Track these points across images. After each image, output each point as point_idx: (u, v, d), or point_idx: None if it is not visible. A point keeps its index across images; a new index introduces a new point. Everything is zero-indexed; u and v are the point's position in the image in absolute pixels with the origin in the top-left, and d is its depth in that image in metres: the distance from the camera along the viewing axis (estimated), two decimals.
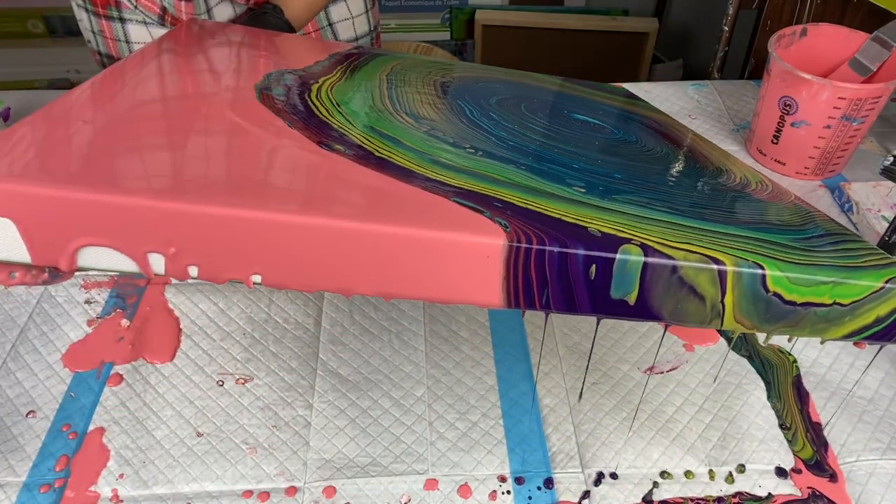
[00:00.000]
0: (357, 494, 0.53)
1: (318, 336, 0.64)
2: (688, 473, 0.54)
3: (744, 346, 0.63)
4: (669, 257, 0.39)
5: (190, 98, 0.52)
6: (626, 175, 0.51)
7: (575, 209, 0.42)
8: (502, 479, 0.54)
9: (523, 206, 0.41)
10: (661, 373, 0.61)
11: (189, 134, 0.45)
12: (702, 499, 0.52)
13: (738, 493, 0.52)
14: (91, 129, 0.43)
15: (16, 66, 1.73)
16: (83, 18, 0.89)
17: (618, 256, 0.38)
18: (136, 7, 0.83)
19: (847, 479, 0.53)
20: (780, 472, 0.53)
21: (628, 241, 0.39)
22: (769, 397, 0.59)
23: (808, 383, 0.60)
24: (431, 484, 0.53)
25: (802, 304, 0.41)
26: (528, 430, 0.57)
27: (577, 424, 0.57)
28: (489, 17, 1.87)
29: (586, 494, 0.52)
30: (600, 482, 0.53)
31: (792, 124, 0.77)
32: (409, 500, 0.53)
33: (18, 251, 0.37)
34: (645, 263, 0.38)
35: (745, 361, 0.62)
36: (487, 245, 0.37)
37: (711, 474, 0.53)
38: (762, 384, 0.60)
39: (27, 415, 0.58)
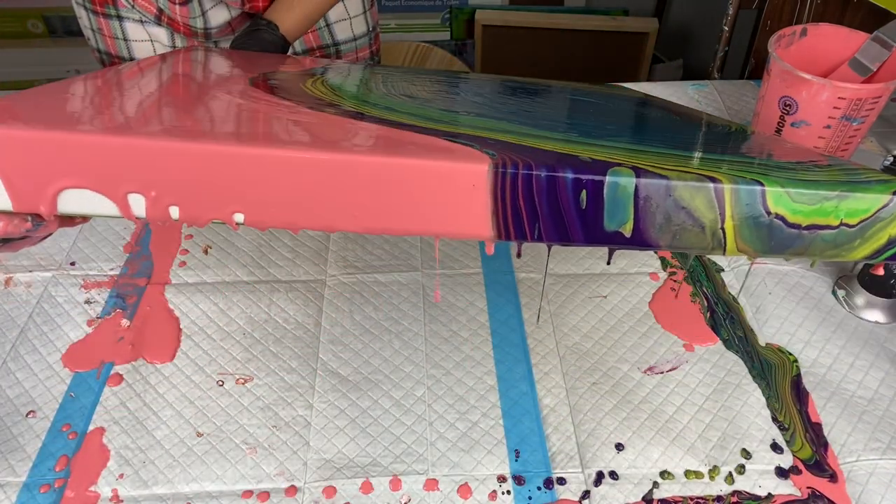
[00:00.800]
0: (357, 494, 0.53)
1: (318, 336, 0.64)
2: (688, 473, 0.54)
3: (743, 346, 0.63)
4: (663, 177, 0.37)
5: (181, 80, 0.52)
6: (619, 126, 0.51)
7: (568, 146, 0.41)
8: (502, 479, 0.54)
9: (515, 142, 0.40)
10: (661, 373, 0.61)
11: (174, 94, 0.46)
12: (701, 498, 0.52)
13: (737, 493, 0.52)
14: (75, 97, 0.43)
15: (16, 66, 1.73)
16: (82, 16, 0.89)
17: (608, 179, 0.36)
18: (133, 6, 0.83)
19: (847, 479, 0.53)
20: (780, 473, 0.53)
21: (619, 165, 0.38)
22: (767, 398, 0.59)
23: (808, 383, 0.60)
24: (431, 484, 0.53)
25: (808, 228, 0.39)
26: (528, 430, 0.57)
27: (577, 424, 0.57)
28: (489, 17, 1.87)
29: (586, 494, 0.52)
30: (600, 482, 0.53)
31: (792, 124, 0.77)
32: (409, 500, 0.53)
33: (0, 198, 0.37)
34: (637, 186, 0.36)
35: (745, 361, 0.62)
36: (473, 171, 0.36)
37: (711, 474, 0.53)
38: (763, 384, 0.60)
39: (27, 415, 0.58)
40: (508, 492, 0.53)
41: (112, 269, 0.70)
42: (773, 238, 0.39)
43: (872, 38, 0.77)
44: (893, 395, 0.59)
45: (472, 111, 0.51)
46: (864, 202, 0.39)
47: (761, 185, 0.37)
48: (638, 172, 0.37)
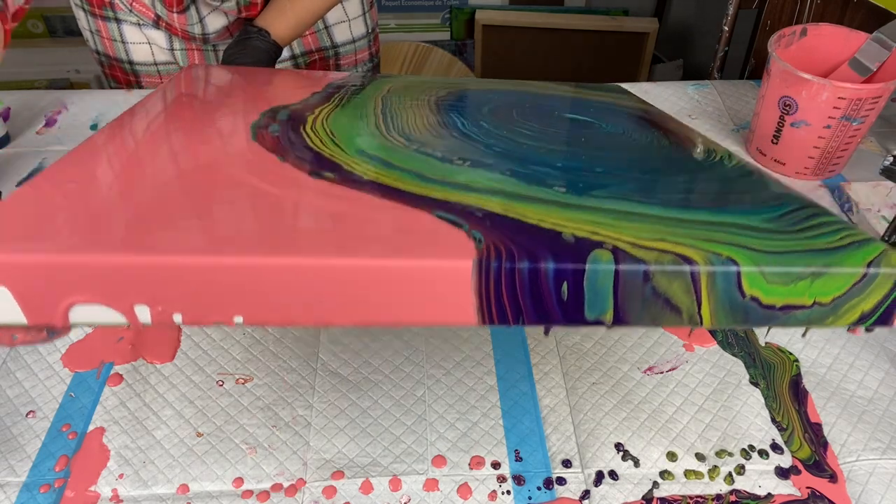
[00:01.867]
0: (357, 494, 0.53)
1: (318, 336, 0.64)
2: (688, 473, 0.54)
3: (743, 346, 0.63)
4: (640, 261, 0.38)
5: (182, 149, 0.53)
6: (608, 167, 0.51)
7: (553, 212, 0.43)
8: (502, 480, 0.54)
9: (502, 213, 0.42)
10: (661, 373, 0.61)
11: (175, 185, 0.46)
12: (701, 497, 0.52)
13: (736, 492, 0.52)
14: (80, 189, 0.45)
15: (16, 66, 1.72)
16: (81, 17, 0.89)
17: (588, 267, 0.38)
18: (130, 10, 0.83)
19: (847, 478, 0.53)
20: (780, 473, 0.53)
21: (600, 244, 0.39)
22: (766, 398, 0.59)
23: (807, 383, 0.60)
24: (431, 484, 0.53)
25: (782, 308, 0.41)
26: (528, 430, 0.57)
27: (577, 424, 0.57)
28: (489, 17, 1.87)
29: (586, 494, 0.52)
30: (600, 482, 0.53)
31: (792, 124, 0.77)
32: (409, 500, 0.53)
33: (15, 315, 0.39)
34: (616, 274, 0.38)
35: (745, 362, 0.62)
36: (458, 269, 0.38)
37: (711, 474, 0.54)
38: (762, 384, 0.60)
39: (27, 415, 0.58)
40: (508, 492, 0.53)
41: None
42: (748, 318, 0.41)
43: (872, 38, 0.77)
44: (893, 395, 0.59)
45: (466, 156, 0.52)
46: (838, 280, 0.41)
47: (736, 264, 0.39)
48: (617, 256, 0.39)
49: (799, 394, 0.59)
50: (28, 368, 0.61)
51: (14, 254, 0.39)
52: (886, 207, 0.74)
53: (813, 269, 0.40)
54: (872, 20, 0.99)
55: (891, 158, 0.68)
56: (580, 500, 0.52)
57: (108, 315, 0.39)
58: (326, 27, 0.93)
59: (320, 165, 0.48)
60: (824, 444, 0.55)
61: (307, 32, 0.91)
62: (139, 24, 0.86)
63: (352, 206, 0.43)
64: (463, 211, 0.42)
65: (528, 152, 0.53)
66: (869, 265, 0.40)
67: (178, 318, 0.39)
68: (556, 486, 0.53)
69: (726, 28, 1.16)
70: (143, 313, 0.39)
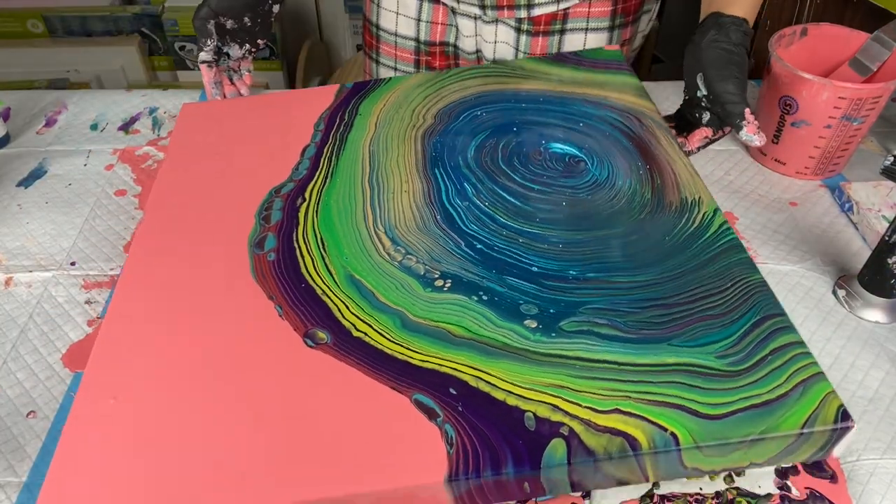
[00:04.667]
0: None
1: None
2: None
3: None
4: (591, 452, 0.44)
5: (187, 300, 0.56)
6: (581, 269, 0.55)
7: (520, 374, 0.48)
8: None
9: (474, 386, 0.48)
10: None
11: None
12: (700, 495, 0.52)
13: (737, 489, 0.52)
14: (119, 416, 0.49)
15: (16, 66, 1.72)
16: None
17: (543, 469, 0.44)
18: None
19: (848, 478, 0.53)
20: (780, 473, 0.53)
21: (558, 428, 0.45)
22: None
23: None
24: None
25: (722, 471, 0.50)
26: None
27: None
28: None
29: (587, 494, 0.52)
30: None
31: (792, 124, 0.77)
32: None
33: None
34: (570, 466, 0.44)
35: None
36: (431, 485, 0.44)
37: (711, 474, 0.53)
38: None
39: (27, 415, 0.58)
40: None
41: (112, 269, 0.70)
42: (691, 476, 0.50)
43: (872, 38, 0.77)
44: (893, 395, 0.59)
45: (447, 270, 0.56)
46: (772, 446, 0.46)
47: (677, 442, 0.44)
48: (570, 451, 0.44)
49: None
50: (28, 368, 0.61)
51: None
52: (886, 207, 0.74)
53: (749, 440, 0.44)
54: (872, 20, 0.99)
55: (891, 158, 0.68)
56: (582, 499, 0.52)
57: None
58: None
59: (314, 318, 0.53)
60: None
61: None
62: None
63: (336, 397, 0.48)
64: (438, 387, 0.48)
65: (504, 258, 0.56)
66: (805, 423, 0.45)
67: None
68: None
69: None
70: None
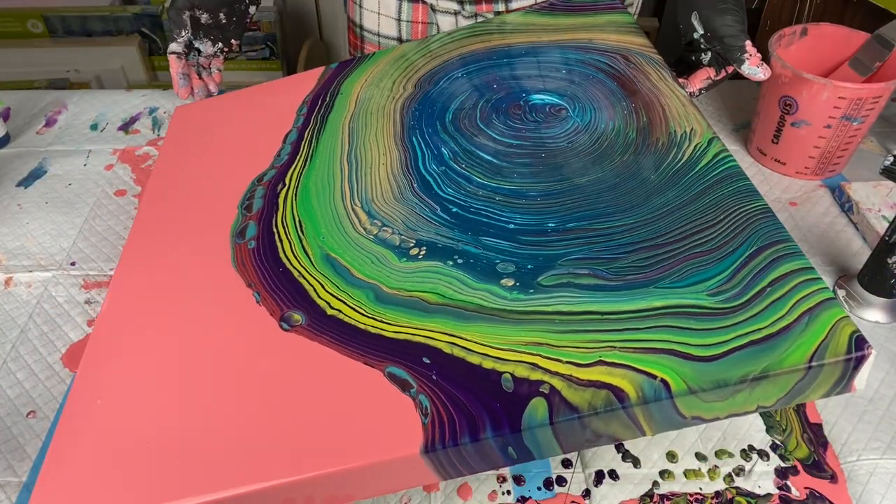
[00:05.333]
0: None
1: None
2: (688, 473, 0.54)
3: None
4: (575, 409, 0.41)
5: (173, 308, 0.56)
6: (560, 221, 0.52)
7: (495, 335, 0.46)
8: (502, 480, 0.54)
9: (448, 353, 0.46)
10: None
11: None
12: (700, 494, 0.52)
13: (737, 489, 0.52)
14: (104, 412, 0.50)
15: (16, 66, 1.72)
16: None
17: (525, 429, 0.41)
18: None
19: (848, 478, 0.53)
20: (780, 473, 0.53)
21: (538, 387, 0.42)
22: None
23: None
24: (432, 484, 0.53)
25: (728, 416, 0.43)
26: None
27: None
28: None
29: (587, 494, 0.52)
30: (601, 482, 0.53)
31: (792, 124, 0.77)
32: (409, 500, 0.53)
33: None
34: (553, 426, 0.41)
35: None
36: (408, 457, 0.42)
37: (711, 475, 0.53)
38: None
39: (27, 415, 0.58)
40: (508, 492, 0.53)
41: (112, 270, 0.70)
42: (697, 425, 0.45)
43: (872, 37, 0.77)
44: (893, 395, 0.59)
45: (423, 237, 0.54)
46: (779, 384, 0.41)
47: (668, 389, 0.41)
48: (551, 410, 0.41)
49: None
50: (28, 368, 0.61)
51: None
52: (886, 207, 0.74)
53: (751, 379, 0.40)
54: (872, 20, 0.99)
55: (891, 158, 0.68)
56: (582, 498, 0.52)
57: None
58: None
59: (290, 301, 0.52)
60: (824, 444, 0.55)
61: None
62: None
63: (309, 378, 0.48)
64: (411, 358, 0.46)
65: (480, 218, 0.54)
66: (813, 356, 0.40)
67: None
68: (556, 486, 0.53)
69: None
70: None
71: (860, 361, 0.41)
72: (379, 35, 0.92)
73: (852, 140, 0.77)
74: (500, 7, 0.85)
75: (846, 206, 0.76)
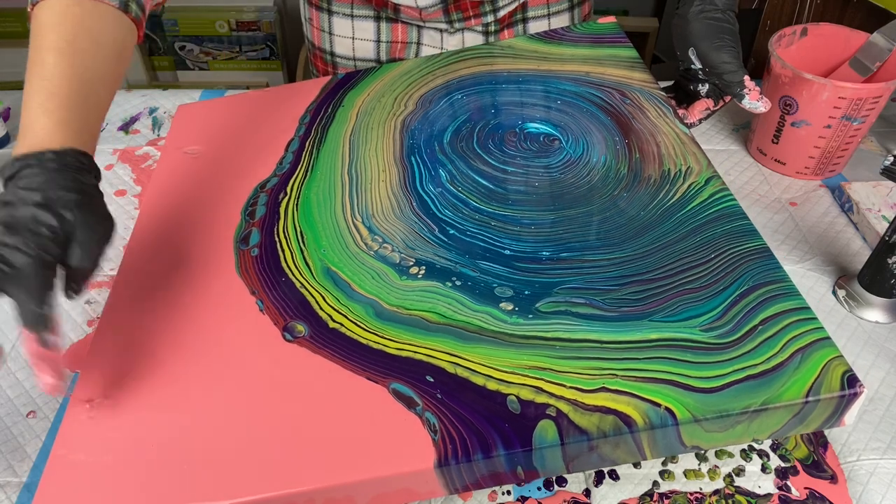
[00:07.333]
0: None
1: None
2: (687, 473, 0.54)
3: None
4: (584, 431, 0.43)
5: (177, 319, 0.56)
6: (554, 250, 0.54)
7: (498, 358, 0.47)
8: None
9: (452, 372, 0.47)
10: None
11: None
12: (700, 493, 0.52)
13: (737, 488, 0.52)
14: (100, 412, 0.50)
15: (16, 66, 1.72)
16: (302, 6, 0.93)
17: (535, 449, 0.42)
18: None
19: (848, 478, 0.53)
20: (780, 473, 0.53)
21: (544, 409, 0.44)
22: None
23: None
24: None
25: (721, 447, 0.48)
26: None
27: None
28: None
29: (587, 494, 0.52)
30: (601, 482, 0.53)
31: (792, 124, 0.77)
32: None
33: None
34: (563, 447, 0.43)
35: None
36: (421, 471, 0.43)
37: (711, 475, 0.53)
38: None
39: (27, 415, 0.58)
40: (509, 492, 0.53)
41: (112, 270, 0.70)
42: (690, 451, 0.46)
43: (872, 38, 0.77)
44: (893, 395, 0.59)
45: (422, 257, 0.55)
46: (776, 417, 0.43)
47: (674, 417, 0.42)
48: (560, 427, 0.43)
49: None
50: (28, 369, 0.61)
51: None
52: (886, 207, 0.74)
53: (752, 411, 0.42)
54: (872, 20, 0.99)
55: (891, 158, 0.68)
56: (583, 496, 0.52)
57: None
58: None
59: (293, 311, 0.53)
60: (824, 444, 0.55)
61: None
62: (351, 17, 0.87)
63: (314, 390, 0.48)
64: (415, 376, 0.47)
65: (477, 243, 0.55)
66: (809, 391, 0.42)
67: None
68: (556, 486, 0.53)
69: None
70: None
71: (853, 398, 0.43)
72: (355, 59, 0.91)
73: (852, 140, 0.77)
74: (490, 18, 0.85)
75: (846, 206, 0.76)
